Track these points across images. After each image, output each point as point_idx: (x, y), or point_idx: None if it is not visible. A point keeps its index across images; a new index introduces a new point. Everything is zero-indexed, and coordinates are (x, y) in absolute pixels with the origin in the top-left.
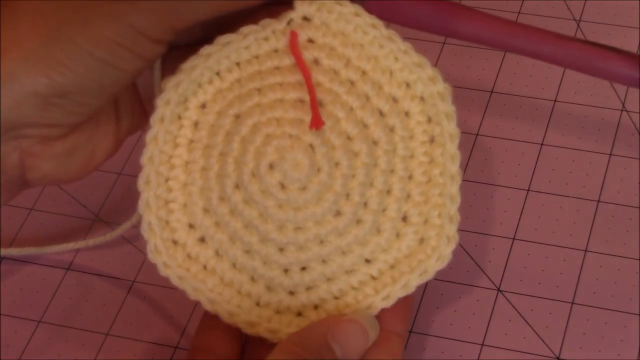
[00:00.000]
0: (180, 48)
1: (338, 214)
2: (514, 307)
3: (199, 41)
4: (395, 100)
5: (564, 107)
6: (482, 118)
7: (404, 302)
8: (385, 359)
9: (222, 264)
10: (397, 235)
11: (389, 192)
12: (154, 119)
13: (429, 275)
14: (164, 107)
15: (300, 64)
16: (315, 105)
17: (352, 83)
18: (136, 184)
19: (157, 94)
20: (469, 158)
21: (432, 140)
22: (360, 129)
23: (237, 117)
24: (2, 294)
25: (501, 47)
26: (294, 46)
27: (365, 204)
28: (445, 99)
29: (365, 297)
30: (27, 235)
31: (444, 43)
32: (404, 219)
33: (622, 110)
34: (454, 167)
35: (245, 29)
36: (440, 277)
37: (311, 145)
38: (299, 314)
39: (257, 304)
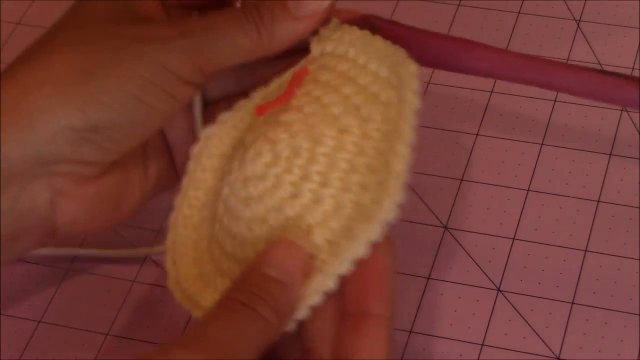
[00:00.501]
0: (218, 102)
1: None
2: (514, 307)
3: (234, 94)
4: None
5: (564, 107)
6: (482, 118)
7: (380, 281)
8: (369, 344)
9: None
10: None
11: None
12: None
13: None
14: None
15: (296, 75)
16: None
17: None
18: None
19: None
20: (469, 158)
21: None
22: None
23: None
24: (2, 294)
25: (512, 81)
26: (297, 75)
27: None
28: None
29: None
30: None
31: None
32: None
33: (622, 110)
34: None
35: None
36: (440, 277)
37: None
38: None
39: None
